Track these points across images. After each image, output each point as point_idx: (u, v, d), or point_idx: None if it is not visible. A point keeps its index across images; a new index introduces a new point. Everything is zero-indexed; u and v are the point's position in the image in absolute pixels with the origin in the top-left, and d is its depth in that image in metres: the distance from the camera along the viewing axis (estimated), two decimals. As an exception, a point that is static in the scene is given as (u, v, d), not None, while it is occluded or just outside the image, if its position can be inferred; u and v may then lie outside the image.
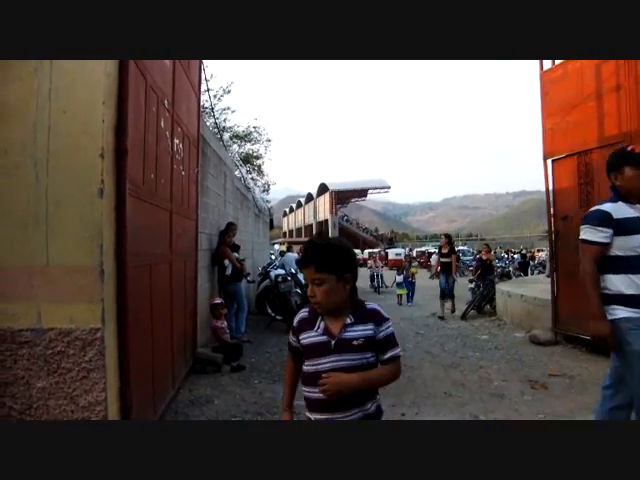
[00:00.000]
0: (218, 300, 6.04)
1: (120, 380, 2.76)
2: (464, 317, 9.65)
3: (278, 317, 8.60)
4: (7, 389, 2.48)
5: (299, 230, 64.27)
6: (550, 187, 6.92)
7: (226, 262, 6.83)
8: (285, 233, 68.29)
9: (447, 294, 10.20)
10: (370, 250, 35.48)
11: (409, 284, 12.97)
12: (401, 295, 13.01)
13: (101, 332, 2.53)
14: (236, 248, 7.37)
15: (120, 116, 2.73)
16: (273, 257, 15.08)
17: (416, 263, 17.52)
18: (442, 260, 10.67)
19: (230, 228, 7.18)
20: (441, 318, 9.74)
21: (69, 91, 2.56)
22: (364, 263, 23.35)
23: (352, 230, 55.09)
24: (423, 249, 41.06)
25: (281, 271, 9.26)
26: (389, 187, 57.17)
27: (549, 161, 6.91)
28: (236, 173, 10.30)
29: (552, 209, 6.94)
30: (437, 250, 12.68)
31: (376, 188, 56.92)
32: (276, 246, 17.66)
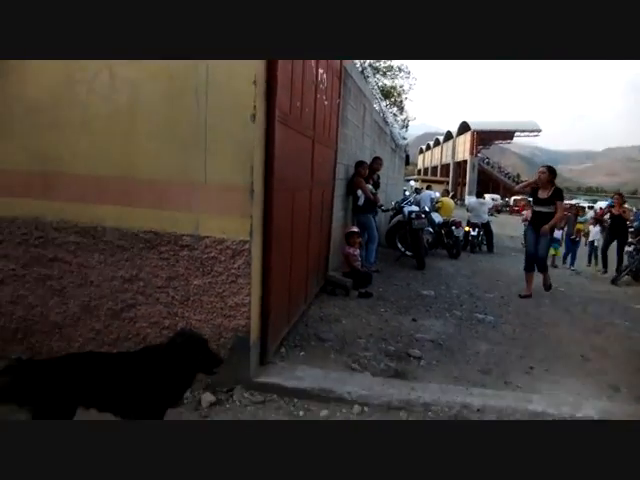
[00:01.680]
0: (355, 229, 6.19)
1: (262, 288, 3.07)
2: (615, 282, 8.58)
3: (408, 253, 8.61)
4: (171, 282, 2.93)
5: (434, 169, 61.85)
6: None
7: (359, 192, 6.90)
8: (419, 170, 66.22)
9: (538, 263, 6.57)
10: (516, 197, 32.85)
11: (570, 242, 10.72)
12: (554, 256, 10.46)
13: (249, 244, 2.82)
14: (374, 182, 7.42)
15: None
16: (407, 193, 14.82)
17: (587, 216, 14.26)
18: (537, 209, 6.55)
19: (375, 162, 7.33)
20: (523, 297, 6.51)
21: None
22: (508, 211, 21.21)
23: (492, 174, 51.33)
24: (573, 202, 36.91)
25: (415, 208, 9.10)
26: (539, 130, 51.47)
27: None
28: (375, 106, 10.06)
29: None
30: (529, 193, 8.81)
31: (524, 131, 51.63)
32: (411, 182, 17.24)
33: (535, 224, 6.52)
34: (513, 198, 33.96)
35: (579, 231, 11.09)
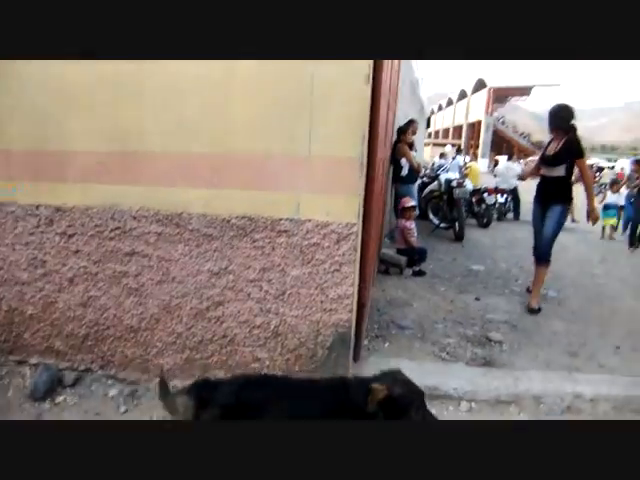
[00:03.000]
0: (412, 203, 5.89)
1: (360, 276, 2.78)
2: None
3: (443, 224, 8.33)
4: (265, 274, 2.62)
5: (446, 131, 60.50)
6: None
7: (403, 161, 6.54)
8: (430, 134, 64.85)
9: (538, 249, 4.58)
10: (534, 158, 32.12)
11: (631, 207, 8.91)
12: (611, 226, 9.28)
13: (356, 227, 2.48)
14: (412, 147, 7.02)
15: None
16: (436, 160, 14.39)
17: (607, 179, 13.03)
18: (542, 172, 4.53)
19: (411, 125, 6.79)
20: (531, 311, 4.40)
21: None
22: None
23: (507, 134, 50.16)
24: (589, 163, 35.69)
25: (453, 175, 8.72)
26: (558, 84, 50.10)
27: None
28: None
29: None
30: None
31: (543, 85, 50.30)
32: (447, 147, 16.72)
33: (541, 194, 4.50)
34: (529, 159, 33.22)
35: None
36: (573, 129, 4.29)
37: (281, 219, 2.53)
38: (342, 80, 2.33)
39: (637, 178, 8.94)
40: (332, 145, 2.40)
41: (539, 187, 4.56)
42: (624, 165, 26.33)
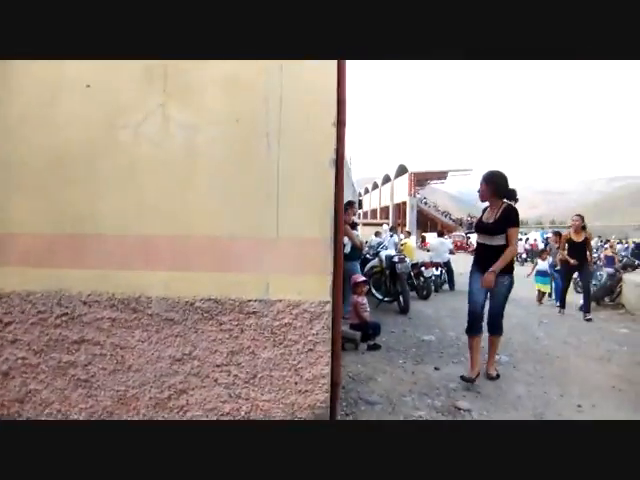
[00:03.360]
0: (362, 278, 5.95)
1: (332, 355, 2.66)
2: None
3: (386, 299, 8.46)
4: (233, 358, 2.46)
5: (374, 212, 63.73)
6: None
7: (345, 240, 6.73)
8: (359, 215, 67.85)
9: (491, 321, 4.35)
10: (457, 233, 34.49)
11: (557, 274, 9.40)
12: (543, 293, 9.91)
13: (329, 305, 2.43)
14: (354, 227, 7.27)
15: (339, 87, 2.57)
16: (380, 239, 15.00)
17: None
18: (480, 240, 4.38)
19: (352, 207, 7.08)
20: (468, 380, 4.18)
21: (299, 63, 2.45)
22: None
23: (430, 213, 53.77)
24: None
25: (392, 252, 9.05)
26: (471, 170, 55.18)
27: None
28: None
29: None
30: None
31: (458, 170, 55.14)
32: (384, 226, 17.48)
33: (480, 263, 4.28)
34: (453, 234, 35.56)
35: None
36: (514, 196, 4.21)
37: (250, 300, 2.43)
38: (308, 164, 2.41)
39: (557, 248, 9.51)
40: (301, 226, 2.41)
41: (479, 256, 4.32)
42: (536, 237, 28.90)
